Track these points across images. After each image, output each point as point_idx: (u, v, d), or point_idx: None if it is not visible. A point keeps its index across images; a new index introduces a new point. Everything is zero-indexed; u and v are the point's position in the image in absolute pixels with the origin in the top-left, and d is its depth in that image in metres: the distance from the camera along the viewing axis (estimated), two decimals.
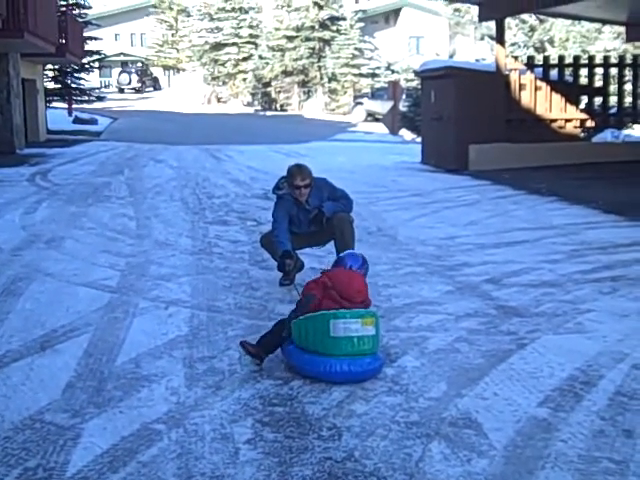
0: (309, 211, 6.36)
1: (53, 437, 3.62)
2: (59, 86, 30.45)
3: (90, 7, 31.91)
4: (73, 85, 31.04)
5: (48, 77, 29.32)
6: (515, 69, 16.94)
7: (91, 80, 36.68)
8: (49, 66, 28.53)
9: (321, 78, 46.18)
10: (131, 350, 4.81)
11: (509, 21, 29.88)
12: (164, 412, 3.90)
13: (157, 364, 4.59)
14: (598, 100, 18.50)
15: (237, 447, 3.53)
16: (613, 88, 19.65)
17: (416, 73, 20.27)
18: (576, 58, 18.76)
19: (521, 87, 16.82)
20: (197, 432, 3.67)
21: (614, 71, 19.14)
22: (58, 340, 5.00)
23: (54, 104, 30.26)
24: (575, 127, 17.55)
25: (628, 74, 18.94)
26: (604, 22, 25.37)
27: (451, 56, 47.50)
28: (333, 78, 45.99)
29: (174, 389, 4.22)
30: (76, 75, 30.84)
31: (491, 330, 5.27)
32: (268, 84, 47.22)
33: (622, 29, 22.93)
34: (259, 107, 46.99)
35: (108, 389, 4.21)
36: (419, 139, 20.74)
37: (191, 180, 13.86)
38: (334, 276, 4.80)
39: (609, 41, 35.96)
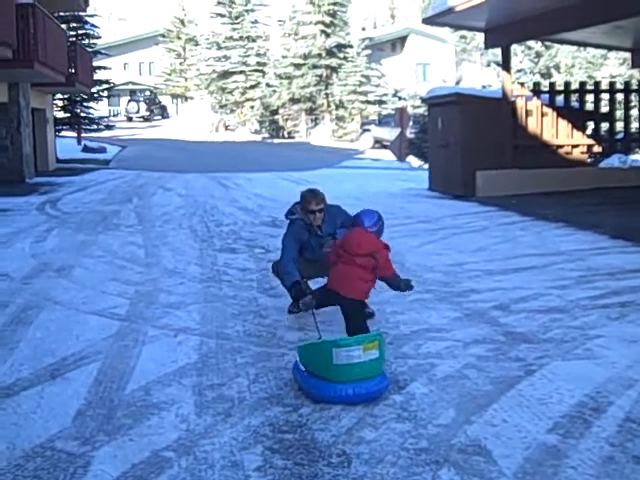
0: (321, 237, 6.31)
1: (64, 465, 3.63)
2: (68, 115, 30.72)
3: (99, 37, 32.24)
4: (82, 114, 31.30)
5: (57, 106, 29.57)
6: (521, 95, 17.02)
7: (100, 109, 36.92)
8: (59, 95, 28.81)
9: (328, 105, 46.41)
10: (141, 378, 4.83)
11: (515, 47, 30.13)
12: (174, 439, 3.91)
13: (167, 392, 4.61)
14: (605, 126, 18.55)
15: (247, 475, 3.54)
16: (619, 114, 19.72)
17: (423, 100, 20.41)
18: (582, 84, 18.84)
19: (528, 113, 16.90)
20: (207, 460, 3.68)
21: (620, 97, 19.24)
22: (68, 368, 5.02)
23: (63, 133, 30.52)
24: (582, 153, 17.59)
25: (634, 100, 19.02)
26: (609, 48, 25.50)
27: (458, 83, 47.72)
28: (340, 105, 46.20)
29: (184, 416, 4.23)
30: (85, 104, 31.12)
31: (500, 356, 5.27)
32: (276, 112, 47.47)
33: (628, 55, 22.99)
34: (267, 135, 47.20)
35: (118, 417, 4.22)
36: (426, 166, 20.82)
37: (199, 208, 13.93)
38: (343, 239, 5.52)
39: (615, 67, 36.10)
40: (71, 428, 4.06)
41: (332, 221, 6.34)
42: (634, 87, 19.67)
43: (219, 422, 4.15)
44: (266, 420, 4.19)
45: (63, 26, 22.98)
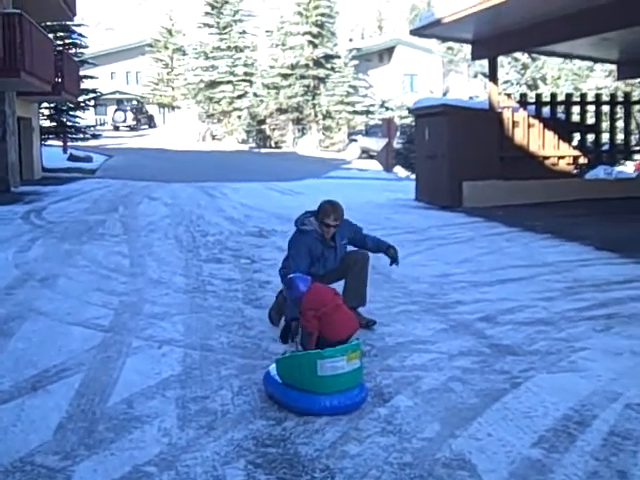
0: (335, 248, 6.23)
1: None
2: (54, 124, 30.62)
3: (87, 46, 32.23)
4: (68, 123, 31.22)
5: (43, 115, 29.47)
6: (508, 107, 17.07)
7: (86, 118, 36.86)
8: (45, 104, 28.70)
9: (315, 115, 46.49)
10: (124, 390, 4.78)
11: (502, 59, 30.22)
12: (156, 454, 3.86)
13: (150, 404, 4.56)
14: (590, 137, 18.63)
15: None
16: (605, 125, 19.80)
17: (410, 111, 20.43)
18: (568, 96, 18.92)
19: (514, 124, 16.95)
20: (189, 474, 3.64)
21: (606, 108, 19.30)
22: (50, 380, 4.97)
23: (49, 142, 30.45)
24: (568, 164, 17.65)
25: (620, 111, 19.11)
26: (595, 60, 25.64)
27: (445, 93, 47.95)
28: (327, 115, 46.31)
29: (166, 430, 4.18)
30: (71, 113, 31.06)
31: (485, 369, 5.25)
32: (263, 121, 47.51)
33: (613, 67, 23.16)
34: (254, 144, 47.21)
35: (99, 430, 4.17)
36: (413, 176, 20.84)
37: (185, 218, 13.88)
38: (310, 304, 5.18)
39: (600, 79, 36.33)
40: (52, 442, 4.01)
41: (341, 231, 6.28)
42: (620, 99, 19.76)
43: (202, 436, 4.11)
44: (249, 434, 4.15)
45: (50, 35, 22.88)
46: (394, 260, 6.54)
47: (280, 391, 4.58)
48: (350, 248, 6.50)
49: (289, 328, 5.67)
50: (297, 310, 5.37)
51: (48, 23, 25.00)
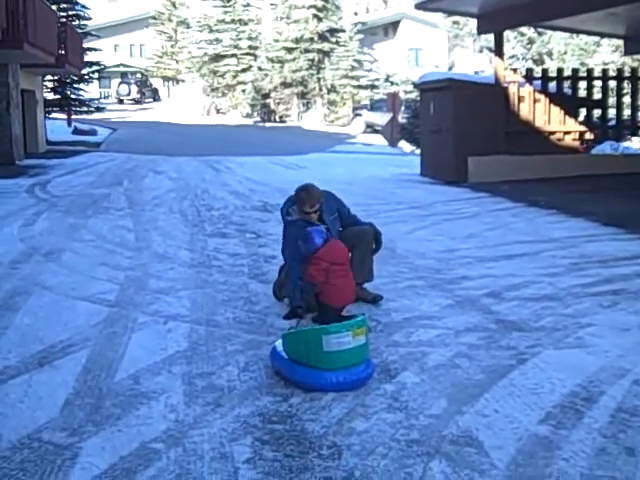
0: (326, 225, 6.13)
1: (51, 457, 3.57)
2: (58, 97, 30.51)
3: (90, 18, 32.00)
4: (72, 96, 31.11)
5: (47, 88, 29.37)
6: (514, 81, 16.96)
7: (90, 91, 36.69)
8: (48, 77, 28.60)
9: (320, 89, 46.24)
10: (130, 366, 4.78)
11: (508, 34, 30.05)
12: (163, 430, 3.86)
13: (156, 380, 4.56)
14: (597, 113, 18.52)
15: (236, 467, 3.49)
16: (612, 101, 19.69)
17: (415, 85, 20.34)
18: (575, 71, 18.78)
19: (520, 99, 16.85)
20: (196, 451, 3.64)
21: (612, 84, 19.20)
22: (56, 356, 4.96)
23: (53, 115, 30.36)
24: (574, 139, 17.56)
25: (626, 87, 19.00)
26: (602, 35, 25.45)
27: (450, 68, 47.60)
28: (332, 90, 46.04)
29: (173, 406, 4.18)
30: (75, 86, 30.94)
31: (491, 345, 5.24)
32: (267, 95, 47.27)
33: (620, 42, 22.97)
34: (258, 118, 47.03)
35: (106, 406, 4.17)
36: (418, 151, 20.76)
37: (190, 192, 13.85)
38: (331, 253, 5.43)
39: (607, 54, 36.03)
40: (59, 418, 4.01)
41: (328, 208, 6.22)
42: (626, 74, 19.62)
43: (208, 412, 4.11)
44: (256, 410, 4.15)
45: (53, 7, 22.75)
46: (377, 246, 6.44)
47: (286, 367, 4.57)
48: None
49: (295, 314, 5.71)
50: (299, 297, 5.62)
51: None
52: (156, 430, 3.86)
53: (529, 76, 17.59)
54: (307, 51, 46.13)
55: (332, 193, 6.42)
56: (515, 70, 19.26)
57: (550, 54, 39.96)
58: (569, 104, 17.48)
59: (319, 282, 5.37)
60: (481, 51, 44.55)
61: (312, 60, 46.25)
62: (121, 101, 56.21)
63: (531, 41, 40.53)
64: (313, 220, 6.04)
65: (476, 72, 32.15)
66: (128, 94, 56.92)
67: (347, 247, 5.91)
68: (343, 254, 5.60)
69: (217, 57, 50.78)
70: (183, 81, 58.37)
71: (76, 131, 29.90)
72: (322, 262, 5.37)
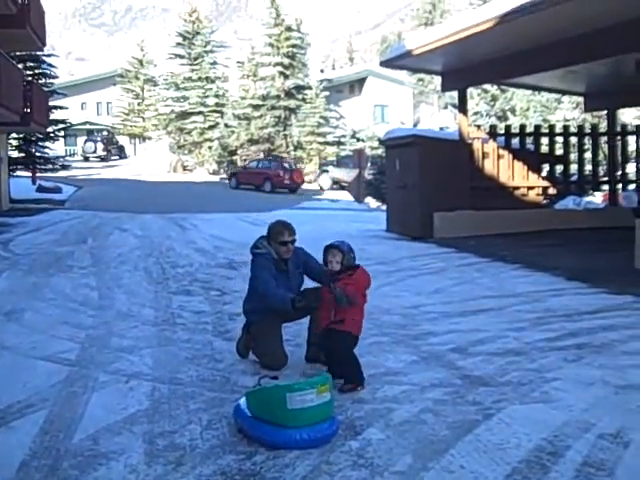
0: (288, 274, 6.09)
1: None
2: (23, 155, 30.42)
3: (56, 77, 32.13)
4: (37, 154, 31.05)
5: (12, 146, 29.27)
6: (478, 138, 17.21)
7: (56, 149, 36.66)
8: (13, 135, 28.51)
9: (287, 146, 46.60)
10: (89, 426, 4.67)
11: (471, 91, 30.57)
12: None
13: (116, 440, 4.46)
14: (559, 168, 18.82)
15: None
16: (573, 156, 20.02)
17: (381, 141, 20.53)
18: (537, 127, 19.15)
19: (484, 155, 17.09)
20: None
21: (574, 140, 19.54)
22: (13, 417, 4.85)
23: (18, 173, 30.21)
24: (538, 194, 17.81)
25: (587, 143, 19.33)
26: (563, 92, 26.01)
27: (415, 124, 48.29)
28: (299, 146, 46.44)
29: (133, 466, 4.09)
30: (41, 144, 30.92)
31: (457, 400, 5.21)
32: (234, 152, 47.53)
33: (580, 99, 23.46)
34: (225, 175, 47.18)
35: (64, 468, 4.07)
36: (384, 207, 20.89)
37: (155, 249, 13.78)
38: (367, 280, 5.70)
39: (568, 111, 36.82)
40: None
41: (295, 260, 6.17)
42: (587, 130, 20.00)
43: (170, 472, 4.02)
44: (218, 469, 4.07)
45: (19, 65, 22.80)
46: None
47: (250, 424, 4.51)
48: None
49: (294, 306, 5.71)
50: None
51: (17, 53, 24.91)
52: None
53: (493, 132, 17.87)
54: (274, 108, 46.59)
55: (302, 248, 6.37)
56: (479, 127, 19.59)
57: (513, 110, 40.72)
58: (532, 160, 17.76)
59: (354, 297, 5.44)
60: (446, 107, 45.27)
61: (279, 117, 46.69)
62: (87, 159, 56.08)
63: (494, 98, 41.29)
64: (287, 254, 6.04)
65: (441, 128, 32.66)
66: (94, 152, 56.82)
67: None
68: (369, 282, 5.74)
69: (184, 114, 51.08)
70: (150, 138, 58.55)
71: (40, 189, 29.74)
72: (359, 283, 5.58)
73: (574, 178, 19.52)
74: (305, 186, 40.86)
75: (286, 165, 39.02)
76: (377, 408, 5.05)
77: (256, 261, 6.11)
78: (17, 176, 29.63)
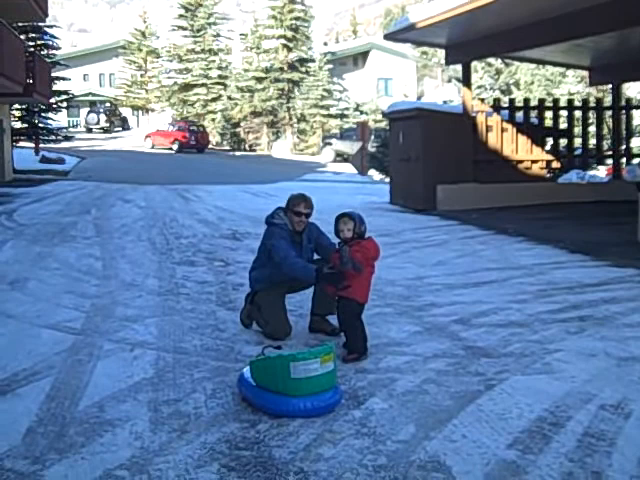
0: (302, 247, 6.12)
1: None
2: (26, 126, 30.35)
3: (59, 48, 31.98)
4: (40, 125, 30.95)
5: (15, 117, 29.20)
6: (482, 111, 17.13)
7: (59, 120, 36.55)
8: (16, 106, 28.43)
9: (290, 119, 46.46)
10: (94, 394, 4.71)
11: (475, 64, 30.42)
12: (127, 458, 3.81)
13: (121, 408, 4.50)
14: (563, 142, 18.75)
15: None
16: (577, 130, 19.94)
17: (384, 114, 20.42)
18: (541, 101, 19.03)
19: (488, 129, 17.01)
20: (161, 478, 3.59)
21: (578, 114, 19.45)
22: (19, 384, 4.89)
23: (21, 143, 30.15)
24: (541, 168, 17.74)
25: (592, 117, 19.24)
26: (568, 66, 25.81)
27: (419, 98, 48.15)
28: (302, 119, 46.30)
29: (138, 434, 4.12)
30: (43, 115, 30.80)
31: (459, 371, 5.24)
32: (237, 124, 47.42)
33: (585, 73, 23.31)
34: (228, 147, 47.07)
35: (70, 434, 4.11)
36: (387, 179, 20.86)
37: (159, 220, 13.79)
38: (375, 248, 5.76)
39: (573, 85, 36.61)
40: (21, 446, 3.94)
41: (309, 234, 6.21)
42: (591, 104, 19.89)
43: (174, 439, 4.06)
44: (223, 437, 4.10)
45: (21, 36, 22.69)
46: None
47: (254, 393, 4.54)
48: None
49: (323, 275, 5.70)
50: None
51: (19, 24, 24.79)
52: (120, 457, 3.80)
53: (497, 106, 17.78)
54: (277, 80, 46.40)
55: (315, 224, 6.37)
56: (483, 100, 19.46)
57: (517, 84, 40.54)
58: (536, 133, 17.68)
59: (360, 264, 5.52)
60: (449, 81, 45.10)
61: (282, 89, 46.51)
62: (90, 130, 55.91)
63: (498, 72, 41.10)
64: (300, 226, 6.08)
65: (444, 102, 32.52)
66: (97, 123, 56.62)
67: None
68: (378, 253, 5.80)
69: (187, 86, 50.87)
70: (153, 110, 58.28)
71: (44, 160, 29.70)
72: (368, 251, 5.63)
73: (578, 152, 19.45)
74: (308, 158, 40.79)
75: (193, 128, 43.57)
76: (380, 378, 5.08)
77: (273, 231, 6.13)
78: (20, 147, 29.58)
